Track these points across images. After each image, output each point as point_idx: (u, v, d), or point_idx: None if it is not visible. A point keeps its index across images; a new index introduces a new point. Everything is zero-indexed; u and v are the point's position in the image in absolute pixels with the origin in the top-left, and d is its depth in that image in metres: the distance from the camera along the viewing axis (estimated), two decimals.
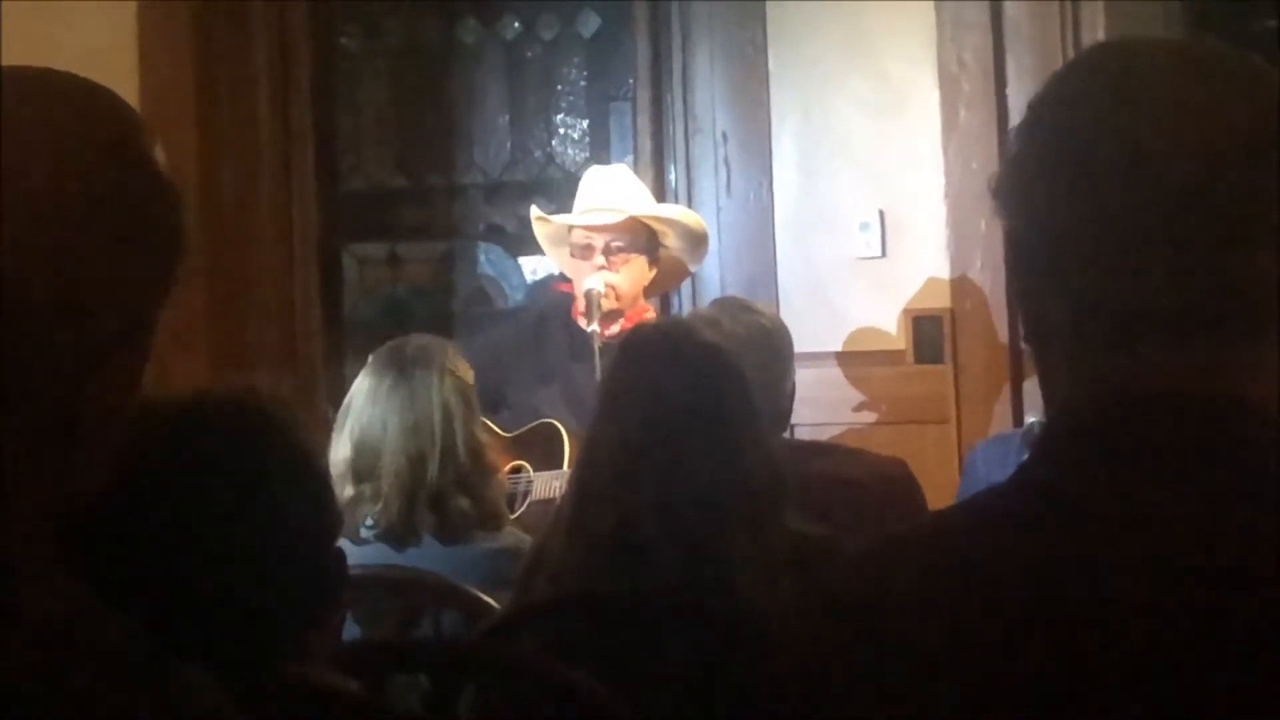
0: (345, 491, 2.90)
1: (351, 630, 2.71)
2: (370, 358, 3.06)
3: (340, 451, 2.94)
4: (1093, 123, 1.12)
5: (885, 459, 3.31)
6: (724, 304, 3.43)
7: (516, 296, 6.44)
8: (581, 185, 3.98)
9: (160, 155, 1.16)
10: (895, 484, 3.12)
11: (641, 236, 3.88)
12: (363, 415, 2.96)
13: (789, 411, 3.34)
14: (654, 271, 3.91)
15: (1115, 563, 1.05)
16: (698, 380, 2.39)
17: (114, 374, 1.10)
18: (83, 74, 1.19)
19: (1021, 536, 1.09)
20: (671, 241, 3.92)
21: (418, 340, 3.09)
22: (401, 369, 2.98)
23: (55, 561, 1.04)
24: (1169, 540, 1.05)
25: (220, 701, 1.05)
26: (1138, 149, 1.09)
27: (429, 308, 6.40)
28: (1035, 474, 1.14)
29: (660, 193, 4.62)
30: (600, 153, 6.22)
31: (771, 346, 3.24)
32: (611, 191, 3.91)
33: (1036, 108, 1.17)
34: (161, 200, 1.15)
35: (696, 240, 3.94)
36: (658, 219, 3.90)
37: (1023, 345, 1.19)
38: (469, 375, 3.06)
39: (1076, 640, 1.03)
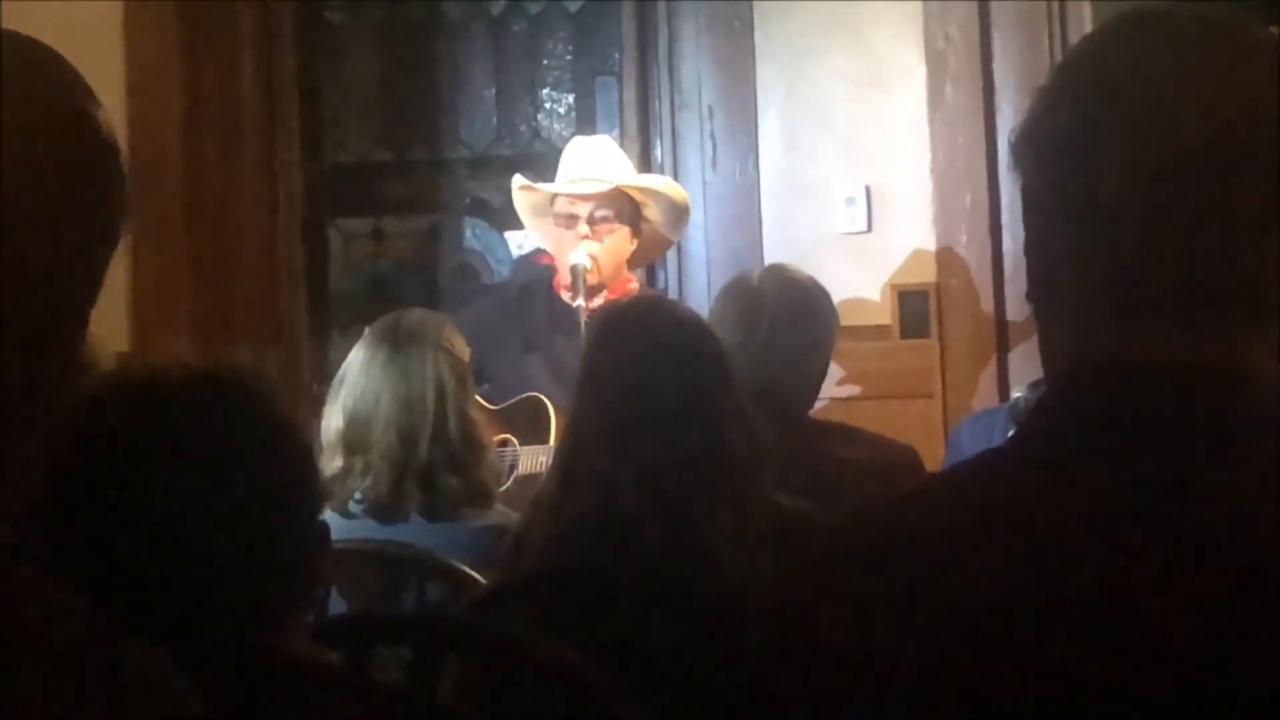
0: (335, 463, 2.90)
1: (337, 603, 2.71)
2: (366, 330, 3.04)
3: (332, 422, 2.93)
4: (1116, 89, 1.12)
5: (893, 444, 3.26)
6: (771, 271, 3.38)
7: (502, 271, 6.43)
8: (565, 155, 3.98)
9: (103, 116, 1.11)
10: (900, 470, 3.09)
11: (625, 207, 3.89)
12: (356, 387, 2.94)
13: (819, 383, 3.32)
14: (635, 243, 3.92)
15: (1107, 528, 1.05)
16: (676, 354, 2.39)
17: (58, 344, 1.07)
18: (66, 49, 1.14)
19: (1016, 501, 1.09)
20: (653, 213, 3.93)
21: (415, 315, 3.06)
22: (397, 343, 2.96)
23: (17, 538, 1.02)
24: (1164, 509, 1.05)
25: (177, 684, 1.03)
26: (1158, 117, 1.09)
27: (414, 282, 6.38)
28: (1032, 440, 1.14)
29: (646, 168, 4.61)
30: (586, 127, 6.20)
31: (814, 312, 3.24)
32: (596, 161, 3.92)
33: (1063, 70, 1.17)
34: (102, 162, 1.11)
35: (679, 212, 3.95)
36: (641, 189, 3.91)
37: (1026, 301, 1.19)
38: (465, 352, 3.04)
39: (1066, 602, 1.03)
